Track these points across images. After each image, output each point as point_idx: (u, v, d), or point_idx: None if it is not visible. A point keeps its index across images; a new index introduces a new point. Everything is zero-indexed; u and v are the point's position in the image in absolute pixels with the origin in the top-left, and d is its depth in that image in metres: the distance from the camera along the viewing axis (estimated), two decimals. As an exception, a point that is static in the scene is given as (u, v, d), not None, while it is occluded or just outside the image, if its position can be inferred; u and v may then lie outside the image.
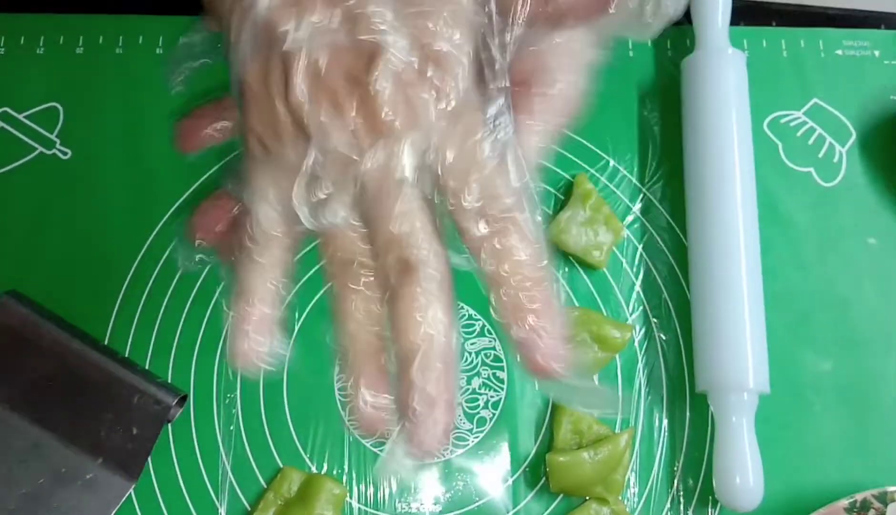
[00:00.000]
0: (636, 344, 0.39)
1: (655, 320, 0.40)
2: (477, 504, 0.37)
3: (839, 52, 0.45)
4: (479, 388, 0.38)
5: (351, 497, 0.37)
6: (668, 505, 0.37)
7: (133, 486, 0.36)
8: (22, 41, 0.44)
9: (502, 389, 0.38)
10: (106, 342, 0.39)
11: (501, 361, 0.39)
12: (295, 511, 0.36)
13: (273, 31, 0.22)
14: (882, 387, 0.39)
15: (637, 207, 0.42)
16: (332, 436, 0.38)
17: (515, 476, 0.37)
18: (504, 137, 0.23)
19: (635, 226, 0.42)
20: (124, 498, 0.36)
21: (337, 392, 0.38)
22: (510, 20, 0.23)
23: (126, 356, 0.39)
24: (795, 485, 0.37)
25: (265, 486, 0.37)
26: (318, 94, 0.21)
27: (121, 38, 0.44)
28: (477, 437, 0.38)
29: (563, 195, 0.42)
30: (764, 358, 0.37)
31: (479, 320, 0.40)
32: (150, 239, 0.40)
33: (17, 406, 0.37)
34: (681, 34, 0.45)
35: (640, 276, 0.41)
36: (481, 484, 0.37)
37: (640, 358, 0.39)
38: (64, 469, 0.36)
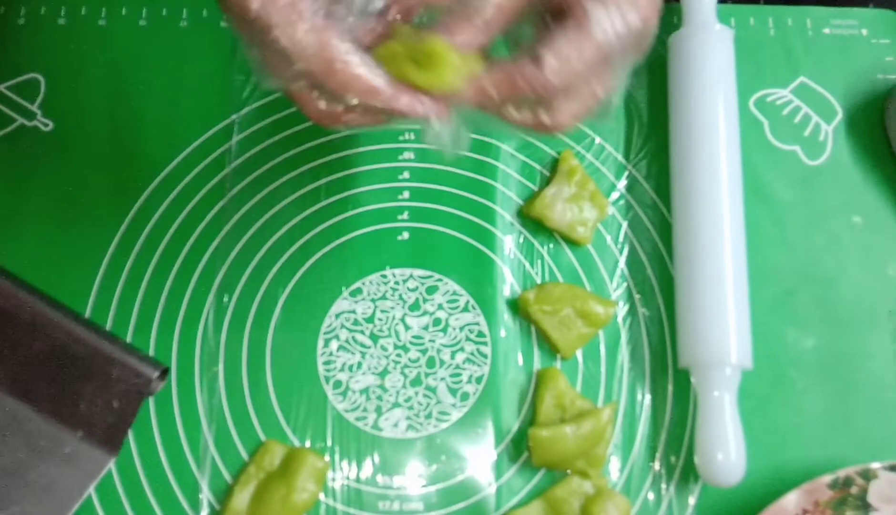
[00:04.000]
0: (620, 320, 0.39)
1: (639, 296, 0.40)
2: (460, 478, 0.37)
3: (826, 30, 0.45)
4: (463, 363, 0.38)
5: (334, 472, 0.37)
6: (650, 480, 0.37)
7: (113, 460, 0.36)
8: (2, 11, 0.43)
9: (486, 364, 0.38)
10: (87, 316, 0.38)
11: (485, 336, 0.39)
12: (277, 484, 0.36)
13: None
14: (865, 364, 0.39)
15: (622, 183, 0.42)
16: (314, 410, 0.37)
17: (499, 451, 0.37)
18: None
19: (620, 203, 0.41)
20: (104, 472, 0.36)
21: (321, 366, 0.38)
22: None
23: (108, 329, 0.38)
24: (778, 461, 0.37)
25: (247, 459, 0.37)
26: None
27: (104, 9, 0.44)
28: (460, 412, 0.38)
29: (548, 171, 0.42)
30: (747, 334, 0.37)
31: (464, 295, 0.39)
32: (133, 212, 0.40)
33: (-4, 379, 0.36)
34: (668, 10, 0.45)
35: (625, 252, 0.41)
36: (464, 459, 0.37)
37: (623, 334, 0.39)
38: (43, 443, 0.36)
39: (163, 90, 0.42)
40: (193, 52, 0.43)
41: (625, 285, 0.40)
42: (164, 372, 0.37)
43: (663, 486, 0.37)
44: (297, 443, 0.37)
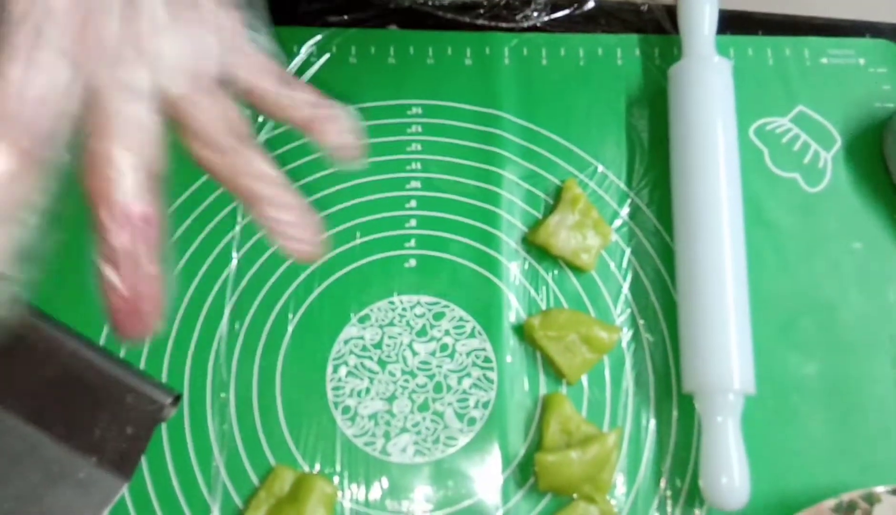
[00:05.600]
0: (624, 346, 0.40)
1: (643, 322, 0.40)
2: (467, 503, 0.37)
3: (824, 60, 0.46)
4: (470, 388, 0.39)
5: (342, 497, 0.37)
6: (656, 505, 0.37)
7: (126, 486, 0.36)
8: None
9: (492, 389, 0.39)
10: (102, 343, 0.39)
11: (491, 361, 0.39)
12: (287, 509, 0.36)
13: None
14: (867, 389, 0.40)
15: (625, 211, 0.43)
16: (324, 436, 0.38)
17: (505, 476, 0.38)
18: None
19: (623, 230, 0.42)
20: (118, 498, 0.36)
21: (330, 392, 0.39)
22: None
23: (121, 356, 0.39)
24: (782, 486, 0.38)
25: (258, 485, 0.37)
26: None
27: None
28: (468, 437, 0.38)
29: (552, 199, 0.43)
30: (749, 359, 0.38)
31: (470, 321, 0.40)
32: (146, 242, 0.41)
33: (10, 406, 0.37)
34: (668, 43, 0.46)
35: (628, 279, 0.41)
36: (471, 484, 0.38)
37: (627, 359, 0.40)
38: (57, 469, 0.36)
39: (176, 123, 0.43)
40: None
41: (629, 310, 0.41)
42: (177, 399, 0.38)
43: (669, 510, 0.37)
44: (306, 468, 0.37)
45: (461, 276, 0.41)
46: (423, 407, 0.39)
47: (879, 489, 0.35)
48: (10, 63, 0.23)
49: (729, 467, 0.36)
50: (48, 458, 0.37)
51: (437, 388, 0.39)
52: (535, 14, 0.47)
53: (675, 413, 0.39)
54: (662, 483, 0.38)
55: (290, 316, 0.40)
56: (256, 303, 0.40)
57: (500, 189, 0.43)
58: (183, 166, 0.42)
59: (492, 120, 0.44)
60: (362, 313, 0.40)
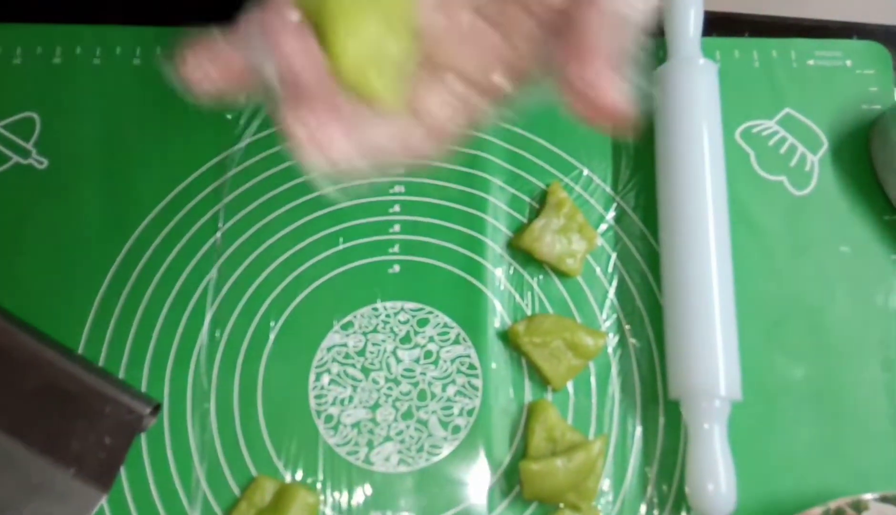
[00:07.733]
0: (610, 351, 0.40)
1: (629, 327, 0.40)
2: (452, 512, 0.37)
3: (811, 62, 0.46)
4: (454, 396, 0.39)
5: (325, 506, 0.37)
6: (642, 512, 0.37)
7: (105, 496, 0.36)
8: (-2, 52, 0.44)
9: (477, 396, 0.39)
10: (80, 352, 0.39)
11: (476, 368, 0.39)
12: (268, 520, 0.36)
13: None
14: (855, 394, 0.39)
15: (610, 215, 0.42)
16: (306, 445, 0.38)
17: (490, 484, 0.37)
18: None
19: (609, 234, 0.42)
20: (96, 509, 0.36)
21: (312, 400, 0.38)
22: None
23: (100, 365, 0.38)
24: (769, 492, 0.37)
25: (238, 495, 0.37)
26: None
27: (98, 48, 0.44)
28: (452, 445, 0.38)
29: (537, 203, 0.42)
30: (736, 365, 0.37)
31: (454, 327, 0.40)
32: (126, 249, 0.40)
33: (-12, 416, 0.37)
34: (654, 45, 0.46)
35: (614, 284, 0.41)
36: (456, 493, 0.37)
37: (613, 365, 0.39)
38: (36, 480, 0.36)
39: (156, 128, 0.43)
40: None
41: (614, 316, 0.40)
42: (156, 408, 0.38)
43: (655, 518, 0.37)
44: (288, 478, 0.37)
45: (445, 282, 0.41)
46: (407, 415, 0.38)
47: (867, 496, 0.35)
48: None
49: (715, 474, 0.35)
50: (26, 469, 0.36)
51: (422, 396, 0.39)
52: (521, 16, 0.46)
53: (661, 420, 0.39)
54: (649, 490, 0.37)
55: (272, 324, 0.40)
56: (237, 311, 0.40)
57: (485, 193, 0.42)
58: (162, 173, 0.42)
59: (476, 123, 0.43)
60: (345, 319, 0.40)
